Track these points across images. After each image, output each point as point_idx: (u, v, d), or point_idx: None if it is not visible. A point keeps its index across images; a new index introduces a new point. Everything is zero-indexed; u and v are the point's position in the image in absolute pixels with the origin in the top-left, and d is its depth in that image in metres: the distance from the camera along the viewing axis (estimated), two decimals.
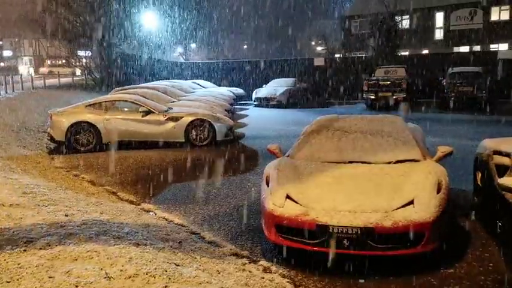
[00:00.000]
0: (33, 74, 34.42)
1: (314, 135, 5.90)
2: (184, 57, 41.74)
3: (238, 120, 15.94)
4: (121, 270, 3.47)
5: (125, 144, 10.94)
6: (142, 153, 10.33)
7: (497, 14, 32.72)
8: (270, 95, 21.76)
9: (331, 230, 4.15)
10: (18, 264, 3.47)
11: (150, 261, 3.76)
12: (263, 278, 4.01)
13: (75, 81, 28.94)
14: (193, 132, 11.11)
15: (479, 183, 6.02)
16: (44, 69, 44.02)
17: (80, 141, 10.86)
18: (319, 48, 58.66)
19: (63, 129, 10.76)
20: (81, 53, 34.03)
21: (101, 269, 3.47)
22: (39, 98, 19.40)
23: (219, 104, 15.51)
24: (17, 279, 3.23)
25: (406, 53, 29.49)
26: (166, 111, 11.54)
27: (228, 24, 51.61)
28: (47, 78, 27.13)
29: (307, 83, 24.98)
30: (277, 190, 4.68)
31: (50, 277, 3.27)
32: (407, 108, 17.53)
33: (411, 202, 4.29)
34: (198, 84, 22.11)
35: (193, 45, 45.06)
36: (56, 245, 3.92)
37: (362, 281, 4.11)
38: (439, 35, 35.66)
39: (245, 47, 65.62)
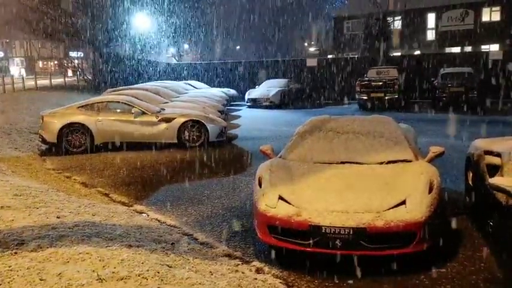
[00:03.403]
0: (24, 75, 34.23)
1: (306, 136, 5.91)
2: (176, 58, 41.65)
3: (231, 121, 15.93)
4: (113, 272, 3.45)
5: (117, 146, 10.90)
6: (134, 155, 10.30)
7: (488, 15, 32.98)
8: (263, 95, 21.76)
9: (323, 231, 4.16)
10: (9, 266, 3.45)
11: (142, 263, 3.74)
12: (256, 278, 4.00)
13: (67, 82, 28.79)
14: (186, 133, 11.09)
15: (470, 183, 6.05)
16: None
17: (72, 143, 10.80)
18: (311, 49, 58.83)
19: (55, 130, 10.70)
20: (73, 54, 33.94)
21: (93, 271, 3.46)
22: (31, 99, 19.30)
23: (212, 105, 15.49)
24: (8, 282, 3.20)
25: (398, 54, 29.63)
26: (158, 112, 11.51)
27: (220, 25, 51.58)
28: (39, 79, 26.93)
29: (300, 83, 25.02)
30: (269, 191, 4.68)
31: (41, 279, 3.25)
32: None
33: (403, 202, 4.30)
34: (191, 85, 22.07)
35: (186, 46, 45.01)
36: (48, 247, 3.90)
37: (351, 281, 4.12)
38: (430, 35, 35.89)
39: (238, 47, 65.61)
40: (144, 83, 20.83)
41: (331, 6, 54.21)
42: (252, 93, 22.37)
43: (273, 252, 4.65)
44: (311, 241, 4.21)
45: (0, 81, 21.61)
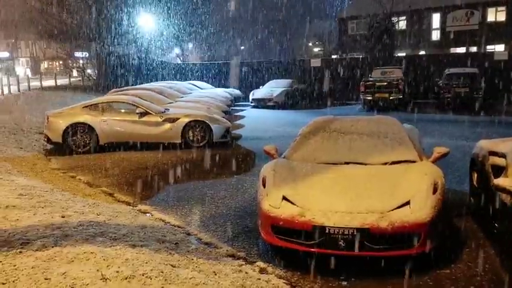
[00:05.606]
0: (30, 75, 34.37)
1: (310, 136, 5.91)
2: (181, 58, 41.72)
3: (235, 121, 15.94)
4: (117, 272, 3.46)
5: (121, 146, 10.93)
6: (139, 155, 10.33)
7: (493, 15, 32.82)
8: (267, 96, 21.75)
9: (327, 231, 4.16)
10: (14, 265, 3.47)
11: (146, 263, 3.75)
12: (259, 279, 4.01)
13: (72, 83, 28.89)
14: (190, 134, 11.11)
15: (475, 183, 6.03)
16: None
17: (77, 143, 10.84)
18: (316, 49, 58.76)
19: (60, 130, 10.74)
20: (78, 54, 34.06)
21: (97, 270, 3.47)
22: (36, 99, 19.39)
23: (216, 105, 15.53)
24: (13, 281, 3.22)
25: (403, 54, 29.55)
26: (163, 112, 11.53)
27: (225, 25, 51.62)
28: (44, 79, 27.04)
29: (304, 84, 25.00)
30: (273, 191, 4.68)
31: (46, 279, 3.27)
32: None
33: (407, 203, 4.30)
34: (195, 85, 22.10)
35: (190, 46, 45.05)
36: (52, 247, 3.92)
37: (354, 282, 4.11)
38: (435, 36, 35.76)
39: (242, 47, 65.60)
40: (149, 83, 20.89)
41: (336, 6, 54.11)
42: (256, 94, 22.37)
43: (276, 253, 4.66)
44: (315, 241, 4.21)
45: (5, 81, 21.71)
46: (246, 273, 4.11)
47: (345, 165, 5.25)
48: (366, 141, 5.64)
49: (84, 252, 3.83)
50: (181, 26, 34.31)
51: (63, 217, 5.01)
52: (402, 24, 34.54)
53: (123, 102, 11.59)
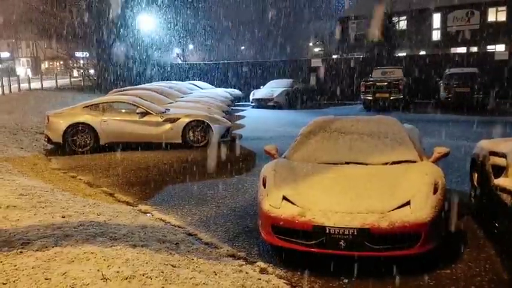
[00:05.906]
0: (30, 75, 34.39)
1: (311, 136, 5.91)
2: (181, 58, 41.71)
3: (236, 121, 15.93)
4: (117, 272, 3.47)
5: (122, 146, 10.93)
6: (139, 155, 10.33)
7: (494, 15, 32.83)
8: (268, 96, 21.72)
9: (327, 231, 4.16)
10: (15, 265, 3.47)
11: (146, 263, 3.76)
12: (260, 279, 4.01)
13: (72, 83, 28.91)
14: (191, 134, 11.11)
15: (475, 183, 6.04)
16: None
17: (77, 143, 10.85)
18: (316, 50, 58.76)
19: (61, 130, 10.75)
20: (78, 54, 34.07)
21: (98, 270, 3.47)
22: (36, 99, 19.40)
23: (217, 105, 15.51)
24: (13, 281, 3.22)
25: (403, 54, 29.54)
26: (163, 112, 11.53)
27: (226, 25, 51.65)
28: (44, 79, 27.05)
29: (305, 84, 24.96)
30: (273, 191, 4.68)
31: (46, 279, 3.27)
32: None
33: (408, 203, 4.30)
34: (195, 85, 22.09)
35: (190, 46, 45.05)
36: (53, 247, 3.92)
37: (354, 282, 4.11)
38: (435, 36, 35.77)
39: (243, 47, 65.65)
40: (149, 83, 20.89)
41: (337, 6, 54.10)
42: (257, 94, 22.34)
43: (277, 253, 4.66)
44: (315, 241, 4.21)
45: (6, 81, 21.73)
46: (247, 273, 4.11)
47: (346, 165, 5.25)
48: (366, 141, 5.64)
49: (85, 253, 3.83)
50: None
51: (63, 217, 5.02)
52: (402, 24, 34.55)
53: (124, 102, 11.59)
